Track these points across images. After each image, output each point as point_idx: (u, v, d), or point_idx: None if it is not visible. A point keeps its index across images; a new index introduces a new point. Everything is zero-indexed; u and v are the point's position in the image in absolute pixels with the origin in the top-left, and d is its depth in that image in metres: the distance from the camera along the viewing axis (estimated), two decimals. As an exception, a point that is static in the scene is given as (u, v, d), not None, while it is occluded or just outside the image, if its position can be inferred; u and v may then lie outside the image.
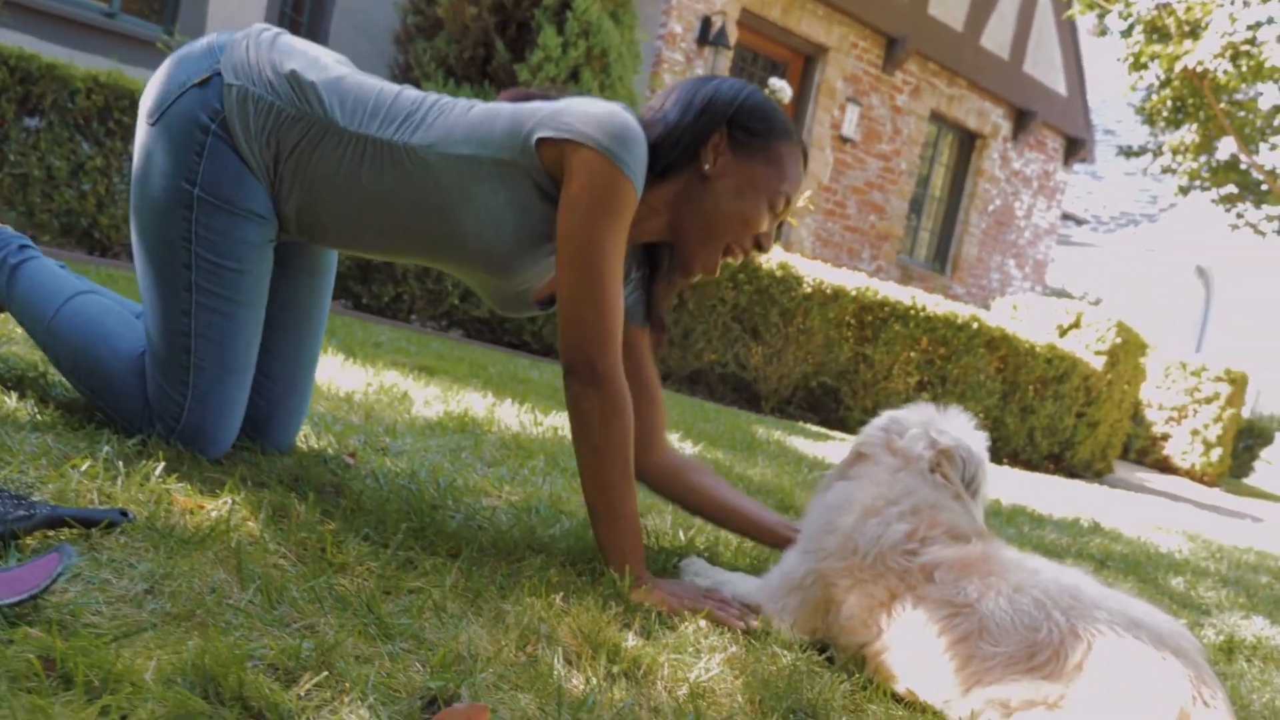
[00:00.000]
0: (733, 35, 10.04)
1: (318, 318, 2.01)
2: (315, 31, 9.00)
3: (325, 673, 1.08)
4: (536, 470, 2.44)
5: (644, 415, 1.88)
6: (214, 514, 1.49)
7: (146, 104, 1.75)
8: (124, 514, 1.37)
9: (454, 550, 1.63)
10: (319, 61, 1.77)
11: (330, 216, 1.75)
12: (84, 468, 1.52)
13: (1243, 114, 11.80)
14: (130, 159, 5.15)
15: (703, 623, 1.52)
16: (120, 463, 1.61)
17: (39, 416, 1.74)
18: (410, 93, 1.76)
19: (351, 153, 1.69)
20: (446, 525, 1.72)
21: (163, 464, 1.65)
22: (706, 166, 1.74)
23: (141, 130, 1.76)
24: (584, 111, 1.63)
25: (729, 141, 1.75)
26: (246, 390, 1.81)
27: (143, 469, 1.60)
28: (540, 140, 1.62)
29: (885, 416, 1.77)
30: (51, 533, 1.29)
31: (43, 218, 4.98)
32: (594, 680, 1.24)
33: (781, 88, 8.17)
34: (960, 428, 1.70)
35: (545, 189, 1.67)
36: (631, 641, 1.37)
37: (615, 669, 1.29)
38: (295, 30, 9.06)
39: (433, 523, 1.70)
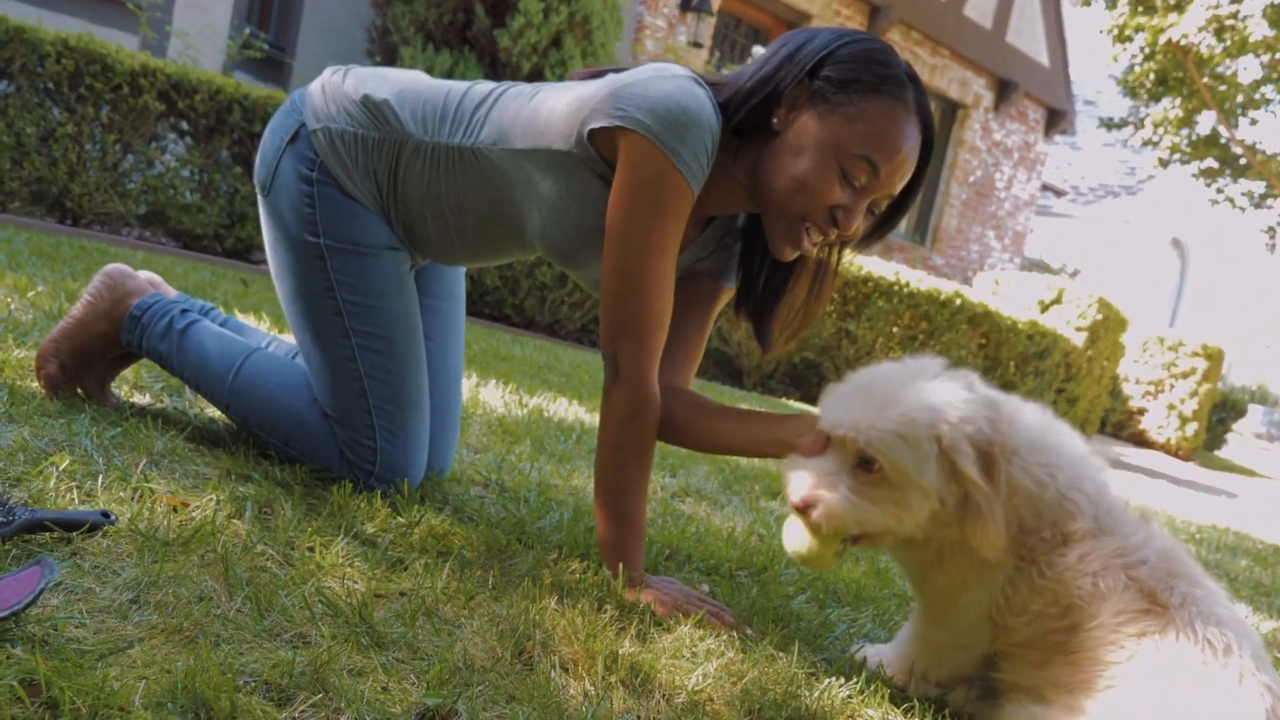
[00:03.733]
0: (715, 1, 9.92)
1: (457, 341, 2.04)
2: (291, -7, 8.81)
3: (320, 694, 1.04)
4: (524, 456, 2.41)
5: (675, 337, 1.73)
6: (198, 514, 1.45)
7: (258, 180, 1.81)
8: (106, 515, 1.33)
9: (444, 549, 1.60)
10: (387, 77, 1.77)
11: (428, 230, 1.77)
12: (64, 465, 1.47)
13: (1224, 88, 11.82)
14: (103, 126, 5.03)
15: (699, 626, 1.50)
16: (99, 457, 1.57)
17: (13, 409, 1.69)
18: (480, 87, 1.73)
19: (431, 163, 1.70)
20: (435, 519, 1.68)
21: (144, 459, 1.61)
22: (774, 122, 1.55)
23: (261, 205, 1.82)
24: (642, 93, 1.50)
25: (808, 93, 1.53)
26: (428, 420, 1.82)
27: (124, 465, 1.56)
28: (594, 130, 1.54)
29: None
30: (32, 537, 1.25)
31: (12, 185, 4.85)
32: (592, 690, 1.22)
33: (765, 57, 8.09)
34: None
35: (607, 178, 1.59)
36: (628, 648, 1.34)
37: (613, 677, 1.27)
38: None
39: (422, 517, 1.67)
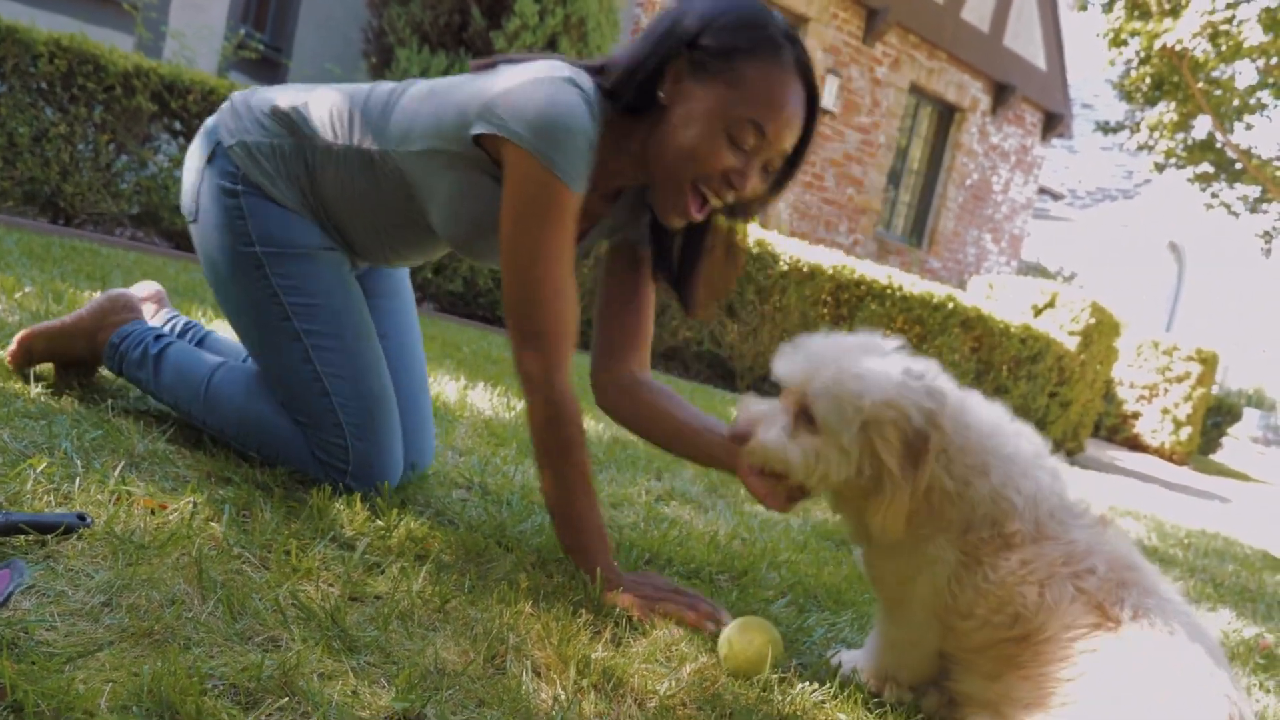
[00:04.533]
0: (713, 5, 9.93)
1: (413, 336, 2.06)
2: (288, -7, 8.81)
3: (288, 697, 1.05)
4: (508, 459, 2.42)
5: (616, 324, 1.81)
6: (175, 516, 1.45)
7: (184, 208, 1.85)
8: (82, 518, 1.33)
9: (422, 552, 1.60)
10: (293, 88, 1.83)
11: (356, 231, 1.81)
12: (41, 467, 1.47)
13: (1220, 93, 11.83)
14: (95, 126, 5.03)
15: (674, 630, 1.50)
16: (78, 459, 1.57)
17: (-5, 410, 1.69)
18: (382, 87, 1.78)
19: (345, 165, 1.74)
20: (414, 522, 1.69)
21: (123, 462, 1.62)
22: (660, 95, 1.59)
23: (192, 233, 1.85)
24: (519, 102, 1.53)
25: (688, 65, 1.57)
26: (396, 417, 1.83)
27: (103, 467, 1.56)
28: (478, 135, 1.58)
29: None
30: (6, 539, 1.26)
31: (4, 185, 4.85)
32: (563, 695, 1.23)
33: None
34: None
35: (497, 177, 1.63)
36: (601, 653, 1.35)
37: (585, 681, 1.27)
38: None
39: (401, 520, 1.67)
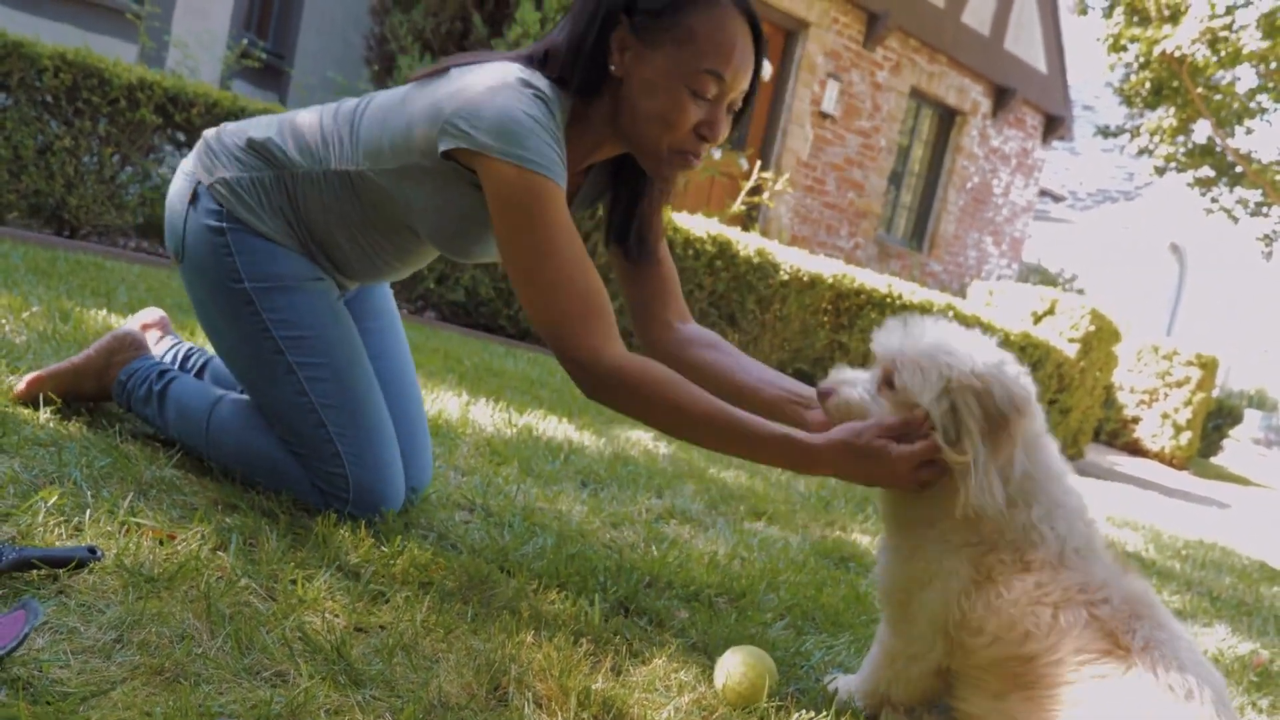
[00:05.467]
0: (714, 10, 9.94)
1: (404, 355, 2.08)
2: (291, 1, 8.84)
3: (294, 736, 1.08)
4: (510, 479, 2.44)
5: (637, 284, 1.85)
6: (183, 547, 1.48)
7: (171, 249, 1.87)
8: (92, 551, 1.36)
9: (426, 579, 1.63)
10: (261, 119, 1.85)
11: (346, 252, 1.84)
12: (53, 500, 1.50)
13: (1219, 97, 11.85)
14: (100, 139, 5.06)
15: (674, 658, 1.53)
16: (88, 489, 1.60)
17: (3, 439, 1.72)
18: (346, 105, 1.81)
19: (327, 188, 1.77)
20: (418, 549, 1.72)
21: (132, 491, 1.65)
22: (613, 69, 1.60)
23: (180, 273, 1.87)
24: (476, 114, 1.54)
25: (632, 32, 1.58)
26: (394, 443, 1.85)
27: (112, 497, 1.59)
28: (446, 151, 1.61)
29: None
30: (19, 574, 1.28)
31: (9, 198, 4.89)
32: (564, 727, 1.25)
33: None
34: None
35: (474, 181, 1.65)
36: (601, 684, 1.38)
37: (585, 714, 1.30)
38: (269, -1, 8.91)
39: (405, 547, 1.70)
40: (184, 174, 1.85)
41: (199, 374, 2.12)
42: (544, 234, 1.56)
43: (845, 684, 1.59)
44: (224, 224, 1.78)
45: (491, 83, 1.58)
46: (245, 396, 1.91)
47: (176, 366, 2.11)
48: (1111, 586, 1.35)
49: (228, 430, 1.85)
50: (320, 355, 1.78)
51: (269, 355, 1.78)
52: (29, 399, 1.96)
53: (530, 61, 1.65)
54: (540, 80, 1.61)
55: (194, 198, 1.80)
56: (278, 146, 1.78)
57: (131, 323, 2.18)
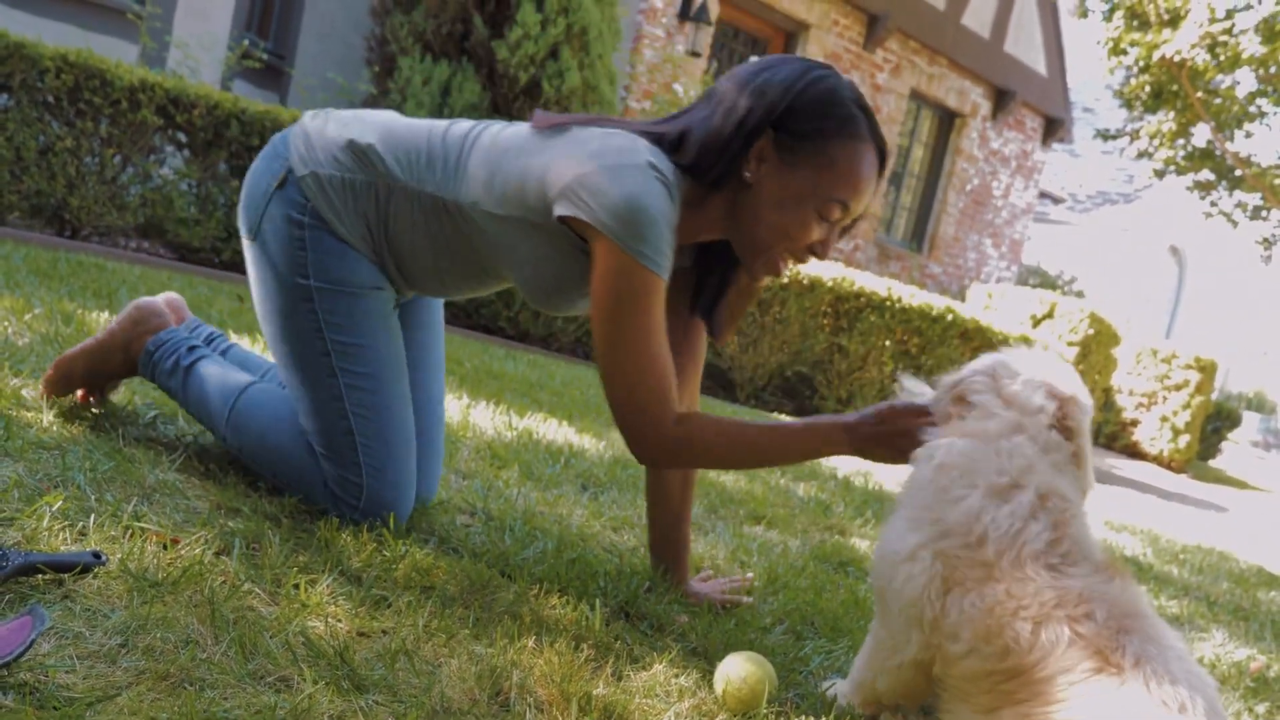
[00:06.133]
0: (714, 11, 9.97)
1: (439, 369, 2.10)
2: (291, 2, 8.85)
3: (299, 742, 1.09)
4: (510, 483, 2.45)
5: (679, 355, 1.90)
6: (187, 551, 1.49)
7: (242, 225, 1.86)
8: (97, 556, 1.37)
9: (427, 584, 1.64)
10: (368, 120, 1.83)
11: (420, 267, 1.83)
12: (57, 505, 1.51)
13: (1219, 101, 11.87)
14: (101, 140, 5.07)
15: (675, 663, 1.54)
16: (91, 493, 1.61)
17: (8, 443, 1.73)
18: (456, 130, 1.79)
19: (418, 208, 1.77)
20: (419, 553, 1.73)
21: (135, 494, 1.65)
22: (747, 175, 1.65)
23: (246, 249, 1.87)
24: (601, 189, 1.57)
25: (774, 146, 1.63)
26: (414, 458, 1.87)
27: (115, 501, 1.60)
28: (562, 216, 1.63)
29: (989, 358, 1.57)
30: (25, 579, 1.29)
31: (11, 199, 4.90)
32: (565, 732, 1.26)
33: (762, 69, 8.12)
34: (1071, 374, 1.55)
35: (581, 247, 1.68)
36: (602, 689, 1.39)
37: (586, 719, 1.31)
38: None
39: (407, 552, 1.71)
40: (275, 156, 1.83)
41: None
42: (642, 323, 1.60)
43: (842, 688, 1.59)
44: (305, 218, 1.77)
45: (621, 160, 1.59)
46: (275, 388, 1.92)
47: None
48: (1093, 600, 1.32)
49: (253, 418, 1.87)
50: (365, 366, 1.79)
51: (316, 355, 1.79)
52: (62, 385, 1.98)
53: (660, 141, 1.67)
54: (666, 165, 1.63)
55: (283, 183, 1.79)
56: (379, 156, 1.76)
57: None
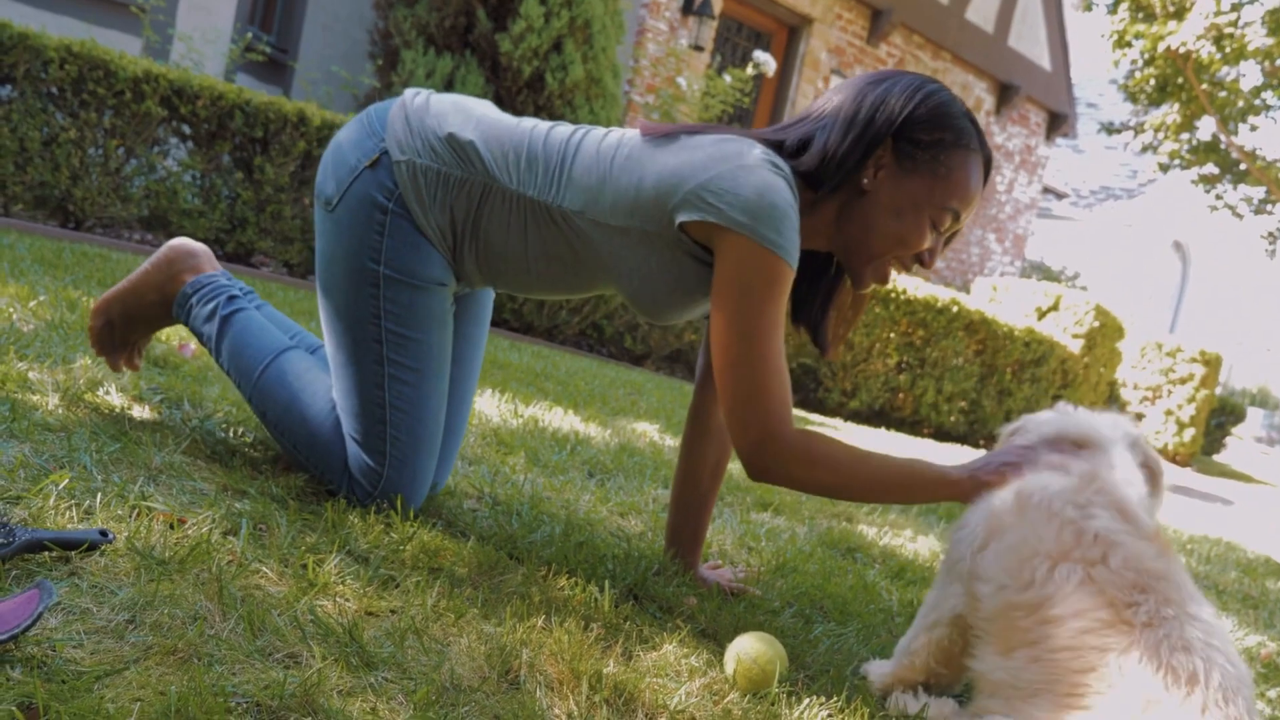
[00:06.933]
0: (717, 5, 9.95)
1: (477, 364, 2.08)
2: (294, -5, 8.84)
3: (310, 715, 1.08)
4: (517, 468, 2.44)
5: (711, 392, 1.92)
6: (194, 531, 1.48)
7: (323, 192, 1.81)
8: (104, 534, 1.36)
9: (435, 565, 1.63)
10: (468, 112, 1.80)
11: (505, 267, 1.81)
12: (63, 484, 1.50)
13: (1224, 94, 11.83)
14: (105, 131, 5.06)
15: (684, 644, 1.53)
16: (98, 474, 1.60)
17: (14, 424, 1.72)
18: (558, 133, 1.77)
19: (515, 210, 1.74)
20: (427, 535, 1.72)
21: (141, 475, 1.65)
22: (865, 182, 1.67)
23: (320, 217, 1.83)
24: (731, 188, 1.57)
25: (893, 155, 1.66)
26: (436, 454, 1.86)
27: (122, 481, 1.59)
28: (684, 222, 1.61)
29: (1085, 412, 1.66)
30: (31, 556, 1.29)
31: (15, 189, 4.89)
32: (575, 710, 1.26)
33: (765, 60, 8.12)
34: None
35: (698, 256, 1.67)
36: (612, 668, 1.38)
37: (597, 697, 1.30)
38: (273, -6, 8.91)
39: (414, 533, 1.70)
40: (373, 132, 1.79)
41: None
42: (772, 316, 1.58)
43: (878, 668, 1.63)
44: (390, 204, 1.75)
45: (743, 160, 1.59)
46: (308, 355, 1.91)
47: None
48: (1112, 546, 1.33)
49: (283, 384, 1.85)
50: (414, 361, 1.78)
51: (368, 340, 1.77)
52: (104, 331, 1.96)
53: (778, 147, 1.68)
54: (782, 163, 1.63)
55: (375, 163, 1.76)
56: (478, 153, 1.73)
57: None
